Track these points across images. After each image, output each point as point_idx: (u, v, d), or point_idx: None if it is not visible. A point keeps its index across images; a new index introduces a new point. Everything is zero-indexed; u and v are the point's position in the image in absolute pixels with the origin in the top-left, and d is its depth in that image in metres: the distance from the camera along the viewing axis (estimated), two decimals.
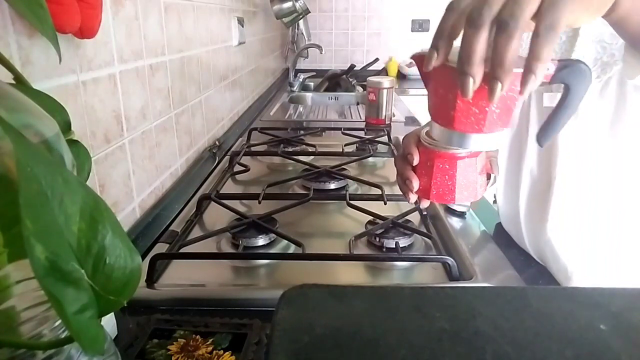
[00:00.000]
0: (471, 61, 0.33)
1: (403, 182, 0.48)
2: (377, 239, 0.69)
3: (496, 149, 0.48)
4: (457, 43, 0.36)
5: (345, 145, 1.15)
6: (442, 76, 0.38)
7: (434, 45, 0.36)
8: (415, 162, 0.46)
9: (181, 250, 0.66)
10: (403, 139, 0.49)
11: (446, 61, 0.36)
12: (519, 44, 0.32)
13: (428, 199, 0.47)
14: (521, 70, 0.33)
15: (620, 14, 0.37)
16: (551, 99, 0.57)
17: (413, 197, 0.48)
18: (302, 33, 2.47)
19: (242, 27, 1.45)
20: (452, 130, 0.40)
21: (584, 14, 0.34)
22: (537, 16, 0.32)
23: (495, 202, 0.80)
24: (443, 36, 0.35)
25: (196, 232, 0.75)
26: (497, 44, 0.32)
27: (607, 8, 0.36)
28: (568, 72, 0.36)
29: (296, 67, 2.26)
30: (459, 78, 0.34)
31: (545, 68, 0.33)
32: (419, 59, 0.39)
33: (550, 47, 0.32)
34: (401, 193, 0.50)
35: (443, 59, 0.36)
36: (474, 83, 0.34)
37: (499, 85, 0.33)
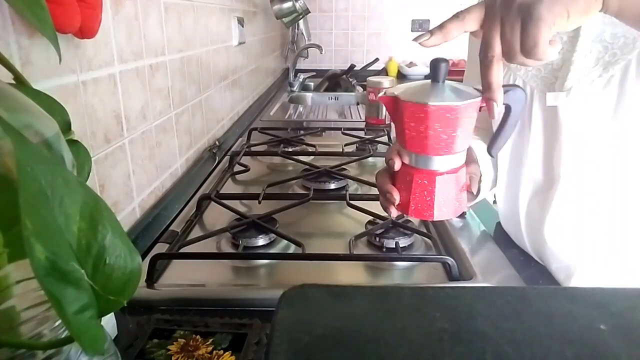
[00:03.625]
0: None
1: (384, 196, 0.48)
2: (377, 239, 0.69)
3: (478, 167, 0.49)
4: (412, 84, 0.45)
5: (345, 145, 1.15)
6: (409, 111, 0.42)
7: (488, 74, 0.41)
8: (397, 167, 0.46)
9: (181, 250, 0.66)
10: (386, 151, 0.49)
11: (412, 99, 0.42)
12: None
13: (407, 214, 0.47)
14: (477, 99, 0.40)
15: (614, 9, 0.39)
16: (554, 99, 0.57)
17: (394, 212, 0.48)
18: (302, 33, 2.46)
19: (242, 27, 1.45)
20: (422, 154, 0.44)
21: (574, 18, 0.38)
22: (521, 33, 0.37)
23: (495, 202, 0.80)
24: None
25: (196, 232, 0.75)
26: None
27: (597, 9, 0.39)
28: (509, 95, 0.42)
29: (296, 67, 2.26)
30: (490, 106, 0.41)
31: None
32: (387, 100, 0.43)
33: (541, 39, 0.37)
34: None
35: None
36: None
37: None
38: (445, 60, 0.43)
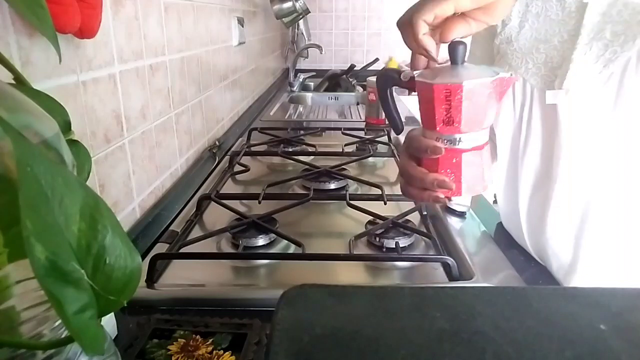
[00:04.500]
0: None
1: (431, 184, 0.46)
2: (377, 239, 0.69)
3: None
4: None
5: (345, 145, 1.15)
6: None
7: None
8: (443, 151, 0.46)
9: (181, 250, 0.66)
10: (411, 142, 0.49)
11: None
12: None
13: (459, 194, 0.47)
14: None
15: None
16: (553, 97, 0.57)
17: (444, 197, 0.47)
18: (302, 33, 2.46)
19: (242, 27, 1.45)
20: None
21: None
22: None
23: (495, 202, 0.80)
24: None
25: (196, 232, 0.75)
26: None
27: None
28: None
29: (296, 67, 2.26)
30: None
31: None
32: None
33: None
34: (412, 199, 0.51)
35: None
36: None
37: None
38: (463, 43, 0.44)
